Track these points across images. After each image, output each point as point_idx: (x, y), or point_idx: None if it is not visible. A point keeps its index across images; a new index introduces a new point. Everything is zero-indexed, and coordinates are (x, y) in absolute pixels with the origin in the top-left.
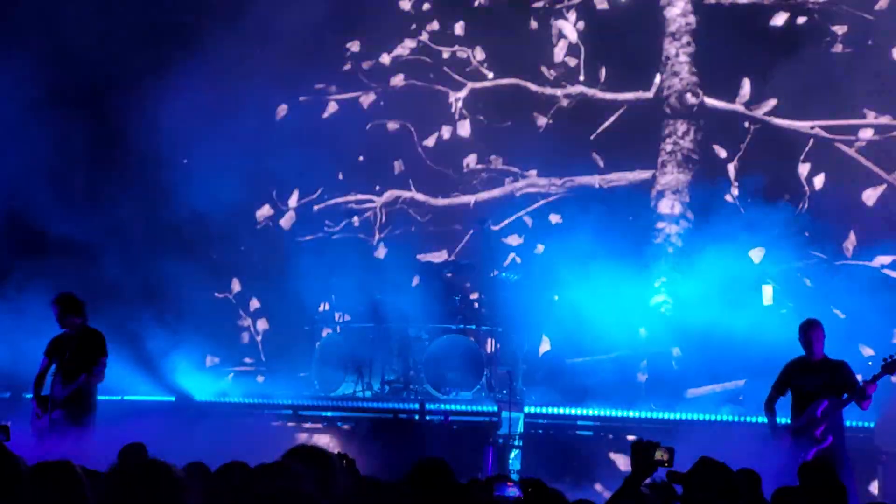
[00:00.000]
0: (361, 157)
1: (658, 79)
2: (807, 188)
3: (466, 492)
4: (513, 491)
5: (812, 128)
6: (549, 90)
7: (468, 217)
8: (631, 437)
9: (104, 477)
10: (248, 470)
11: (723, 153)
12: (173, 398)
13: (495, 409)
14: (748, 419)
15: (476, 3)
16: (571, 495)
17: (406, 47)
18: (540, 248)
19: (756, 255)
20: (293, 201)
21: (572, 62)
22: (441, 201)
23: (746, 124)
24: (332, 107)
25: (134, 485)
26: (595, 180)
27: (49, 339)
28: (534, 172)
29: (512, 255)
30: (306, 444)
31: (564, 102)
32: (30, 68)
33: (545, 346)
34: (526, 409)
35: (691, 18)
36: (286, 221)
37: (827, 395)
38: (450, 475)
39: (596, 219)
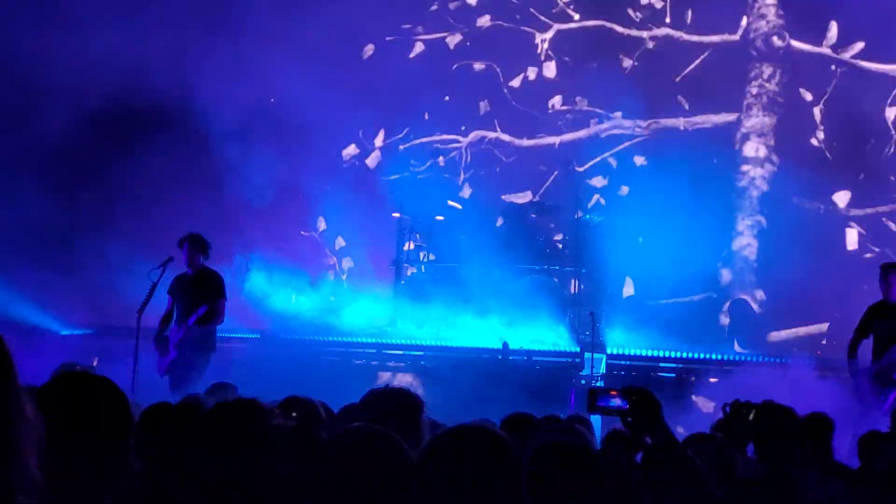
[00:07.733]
0: (447, 98)
1: (744, 21)
2: (893, 132)
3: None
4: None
5: None
6: (634, 32)
7: (553, 158)
8: (713, 380)
9: (188, 416)
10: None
11: (809, 96)
12: (258, 335)
13: (578, 349)
14: (828, 362)
15: None
16: None
17: None
18: (624, 189)
19: (841, 198)
20: (379, 140)
21: (658, 4)
22: (526, 142)
23: (833, 67)
24: (419, 47)
25: (226, 424)
26: (680, 122)
27: (172, 279)
28: (619, 114)
29: (596, 196)
30: (391, 385)
31: (650, 44)
32: None
33: (628, 288)
34: (608, 351)
35: None
36: (372, 160)
37: None
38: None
39: (680, 161)
